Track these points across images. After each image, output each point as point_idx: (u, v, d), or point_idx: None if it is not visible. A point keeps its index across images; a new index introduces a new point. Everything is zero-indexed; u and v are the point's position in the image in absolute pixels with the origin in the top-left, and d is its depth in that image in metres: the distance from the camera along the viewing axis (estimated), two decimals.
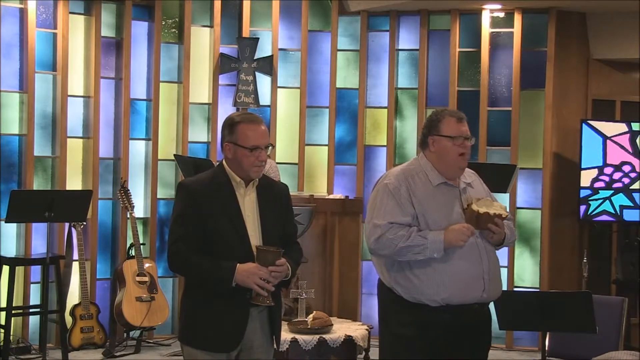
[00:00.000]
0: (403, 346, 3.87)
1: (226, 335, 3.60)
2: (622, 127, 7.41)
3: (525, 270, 7.69)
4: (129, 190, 7.17)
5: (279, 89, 7.89)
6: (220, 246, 3.58)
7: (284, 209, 3.80)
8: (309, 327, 5.66)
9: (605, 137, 7.38)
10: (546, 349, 4.70)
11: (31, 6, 7.09)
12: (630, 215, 7.37)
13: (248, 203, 3.67)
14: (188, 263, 3.60)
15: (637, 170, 7.36)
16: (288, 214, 3.83)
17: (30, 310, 6.98)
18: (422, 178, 3.87)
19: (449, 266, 3.77)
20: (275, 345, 3.76)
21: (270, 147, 3.69)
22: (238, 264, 3.53)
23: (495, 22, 7.72)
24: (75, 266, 7.04)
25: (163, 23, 7.66)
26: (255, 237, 3.63)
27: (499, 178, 6.39)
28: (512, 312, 4.52)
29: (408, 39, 7.91)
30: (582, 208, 7.39)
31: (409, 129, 7.80)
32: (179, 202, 3.66)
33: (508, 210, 4.15)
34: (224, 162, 3.71)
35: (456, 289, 3.76)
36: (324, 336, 5.63)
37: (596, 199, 7.38)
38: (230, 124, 3.66)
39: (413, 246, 3.75)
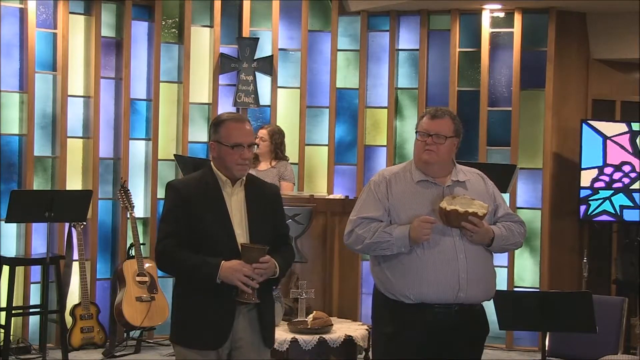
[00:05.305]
0: (385, 344, 3.88)
1: (212, 332, 3.61)
2: (622, 127, 7.41)
3: (525, 270, 7.69)
4: (129, 190, 7.16)
5: (279, 89, 7.89)
6: (207, 244, 3.61)
7: (274, 209, 3.82)
8: (309, 327, 5.65)
9: (605, 137, 7.39)
10: (546, 349, 4.70)
11: (31, 6, 7.09)
12: (630, 215, 7.37)
13: (235, 202, 3.69)
14: (174, 260, 3.64)
15: (637, 170, 7.36)
16: (278, 214, 3.85)
17: (30, 310, 6.98)
18: (407, 176, 3.90)
19: (418, 262, 3.76)
20: (266, 344, 3.75)
21: (255, 146, 3.73)
22: (223, 261, 3.55)
23: (495, 22, 7.72)
24: (75, 266, 7.04)
25: (163, 23, 7.66)
26: (242, 236, 3.66)
27: (499, 178, 6.37)
28: (512, 312, 4.52)
29: (408, 39, 7.91)
30: (582, 208, 7.39)
31: (409, 129, 7.80)
32: (167, 201, 3.71)
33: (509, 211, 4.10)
34: (211, 162, 3.74)
35: (425, 285, 3.74)
36: (324, 336, 5.63)
37: (596, 199, 7.38)
38: (216, 123, 3.73)
39: (379, 242, 3.78)
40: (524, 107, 7.67)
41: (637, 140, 7.37)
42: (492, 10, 7.67)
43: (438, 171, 3.89)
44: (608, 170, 7.38)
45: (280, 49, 7.90)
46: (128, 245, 7.26)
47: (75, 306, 7.04)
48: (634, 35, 7.43)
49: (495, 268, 4.01)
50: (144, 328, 7.02)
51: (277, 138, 7.02)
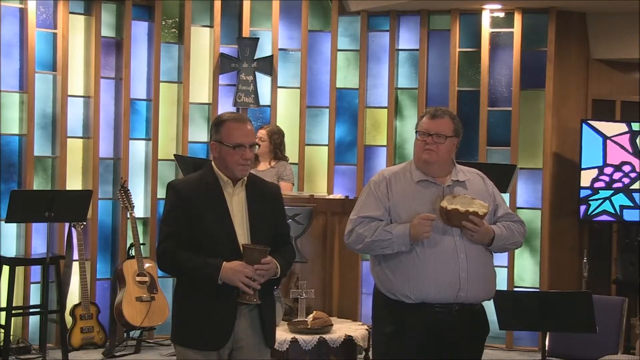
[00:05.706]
0: (385, 344, 3.89)
1: (214, 333, 3.61)
2: (622, 127, 7.41)
3: (525, 270, 7.69)
4: (129, 190, 7.16)
5: (279, 89, 7.89)
6: (208, 245, 3.61)
7: (275, 209, 3.81)
8: (309, 327, 5.65)
9: (605, 137, 7.39)
10: (546, 349, 4.70)
11: (31, 6, 7.09)
12: (630, 215, 7.37)
13: (236, 202, 3.69)
14: (175, 261, 3.63)
15: (637, 170, 7.36)
16: (279, 214, 3.85)
17: (30, 310, 6.98)
18: (407, 176, 3.91)
19: (418, 262, 3.76)
20: (267, 344, 3.75)
21: (256, 147, 3.73)
22: (224, 262, 3.55)
23: (495, 22, 7.72)
24: (75, 266, 7.04)
25: (163, 23, 7.65)
26: (243, 236, 3.65)
27: (499, 178, 6.37)
28: (512, 312, 4.52)
29: (408, 39, 7.91)
30: (582, 208, 7.39)
31: (409, 129, 7.79)
32: (167, 201, 3.71)
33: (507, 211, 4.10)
34: (212, 162, 3.74)
35: (425, 285, 3.74)
36: (324, 336, 5.63)
37: (596, 199, 7.38)
38: (217, 123, 3.72)
39: (380, 241, 3.79)
40: (524, 107, 7.67)
41: (637, 140, 7.37)
42: (492, 10, 7.67)
43: (438, 171, 3.89)
44: (608, 170, 7.38)
45: (280, 49, 7.90)
46: (128, 245, 7.26)
47: (75, 306, 7.04)
48: (634, 35, 7.43)
49: (495, 268, 4.02)
50: (144, 328, 7.02)
51: (277, 138, 7.02)
